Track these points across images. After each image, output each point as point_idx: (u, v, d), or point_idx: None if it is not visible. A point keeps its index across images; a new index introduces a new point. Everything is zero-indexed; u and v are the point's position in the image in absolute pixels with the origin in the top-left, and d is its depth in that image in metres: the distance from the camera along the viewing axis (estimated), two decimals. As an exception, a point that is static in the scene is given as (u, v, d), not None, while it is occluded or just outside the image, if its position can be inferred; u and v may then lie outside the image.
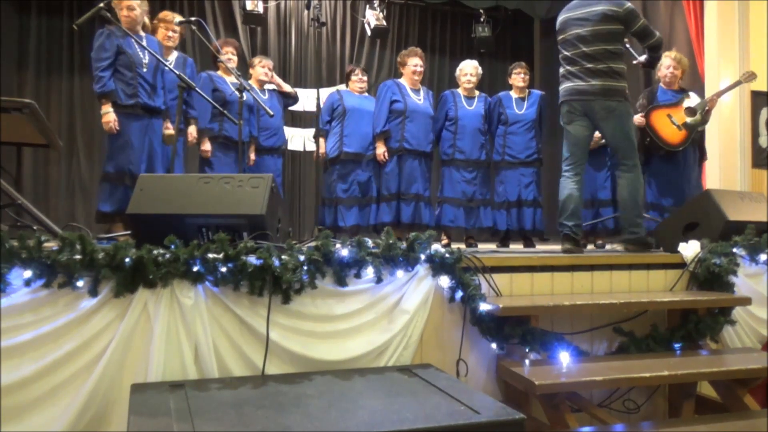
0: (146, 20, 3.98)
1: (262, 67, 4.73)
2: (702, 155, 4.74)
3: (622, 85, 3.53)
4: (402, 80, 4.91)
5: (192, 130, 4.20)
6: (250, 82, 4.75)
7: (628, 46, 4.07)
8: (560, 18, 3.73)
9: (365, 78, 5.02)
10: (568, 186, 3.66)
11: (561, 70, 3.72)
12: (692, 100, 4.44)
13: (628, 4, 3.52)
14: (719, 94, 4.51)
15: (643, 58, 3.97)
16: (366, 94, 5.04)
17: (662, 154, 4.42)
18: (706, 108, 4.40)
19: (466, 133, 4.87)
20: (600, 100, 3.51)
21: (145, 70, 3.82)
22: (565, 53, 3.67)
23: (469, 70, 4.98)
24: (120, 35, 3.73)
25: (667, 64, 4.54)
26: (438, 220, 4.86)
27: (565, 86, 3.68)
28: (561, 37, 3.69)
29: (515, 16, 7.31)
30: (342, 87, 5.16)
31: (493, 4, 6.80)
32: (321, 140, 4.71)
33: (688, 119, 4.34)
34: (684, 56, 4.71)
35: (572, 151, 3.67)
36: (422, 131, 4.78)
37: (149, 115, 3.85)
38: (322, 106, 4.68)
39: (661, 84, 4.61)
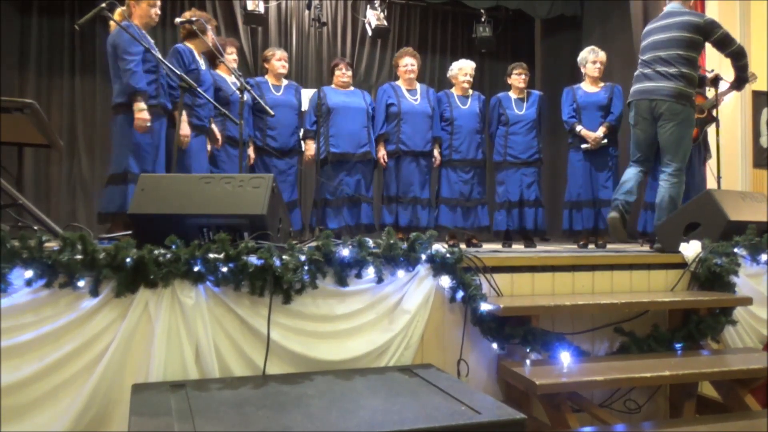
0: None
1: (278, 60, 4.69)
2: (705, 153, 4.74)
3: (689, 90, 3.68)
4: (398, 82, 4.92)
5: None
6: (266, 77, 4.74)
7: (721, 77, 4.33)
8: (646, 28, 3.92)
9: (349, 72, 4.85)
10: (631, 172, 3.85)
11: (636, 72, 3.88)
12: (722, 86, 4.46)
13: (708, 17, 3.76)
14: (723, 94, 4.51)
15: (727, 86, 4.21)
16: (351, 88, 4.90)
17: None
18: (711, 106, 4.42)
19: (463, 132, 4.88)
20: (669, 102, 3.65)
21: (165, 71, 3.81)
22: (642, 58, 3.83)
23: (468, 70, 4.99)
24: (139, 34, 3.62)
25: None
26: (436, 221, 4.86)
27: (635, 87, 3.83)
28: (642, 44, 3.87)
29: (516, 16, 7.29)
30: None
31: (494, 4, 6.78)
32: (309, 143, 4.66)
33: (697, 116, 4.35)
34: None
35: (637, 152, 3.87)
36: (418, 131, 4.77)
37: (165, 116, 3.84)
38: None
39: None
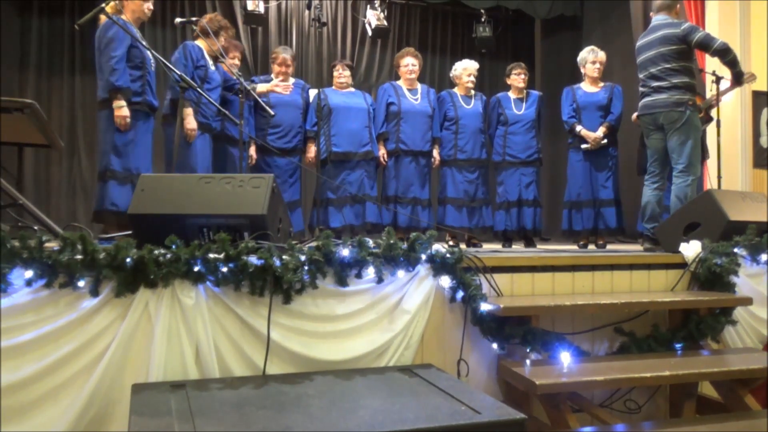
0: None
1: (278, 65, 4.64)
2: (704, 153, 4.74)
3: (684, 97, 3.82)
4: (399, 82, 4.94)
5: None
6: (272, 75, 4.71)
7: (722, 77, 4.36)
8: (637, 44, 4.09)
9: (347, 73, 4.85)
10: (646, 194, 4.01)
11: (639, 88, 4.08)
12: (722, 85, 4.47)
13: (686, 24, 3.86)
14: (722, 93, 4.51)
15: (727, 85, 4.28)
16: (352, 89, 4.91)
17: None
18: (709, 106, 4.41)
19: (468, 132, 4.90)
20: (664, 112, 3.83)
21: (153, 68, 3.81)
22: (640, 75, 4.03)
23: (473, 70, 5.02)
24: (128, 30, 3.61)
25: None
26: (441, 221, 4.86)
27: (640, 103, 4.03)
28: (637, 61, 4.07)
29: (516, 16, 7.30)
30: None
31: (494, 4, 6.79)
32: (310, 144, 4.66)
33: None
34: None
35: (651, 162, 4.03)
36: (418, 131, 4.79)
37: (152, 114, 3.84)
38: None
39: None
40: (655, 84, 3.88)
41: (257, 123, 4.63)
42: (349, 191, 4.63)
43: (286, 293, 2.24)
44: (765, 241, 3.12)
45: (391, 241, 2.46)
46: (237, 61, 4.51)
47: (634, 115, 4.39)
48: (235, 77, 4.26)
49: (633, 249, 3.99)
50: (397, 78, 5.00)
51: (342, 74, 4.83)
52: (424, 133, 4.82)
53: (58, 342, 2.03)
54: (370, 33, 6.63)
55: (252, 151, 4.60)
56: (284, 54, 4.69)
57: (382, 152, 4.78)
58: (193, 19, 3.88)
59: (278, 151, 4.52)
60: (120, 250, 2.07)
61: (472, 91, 5.06)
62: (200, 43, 4.10)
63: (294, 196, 4.69)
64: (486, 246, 4.74)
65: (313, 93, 4.75)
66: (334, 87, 4.88)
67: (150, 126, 3.84)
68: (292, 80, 4.78)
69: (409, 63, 4.86)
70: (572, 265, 2.95)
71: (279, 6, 6.78)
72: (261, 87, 4.36)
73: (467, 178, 4.88)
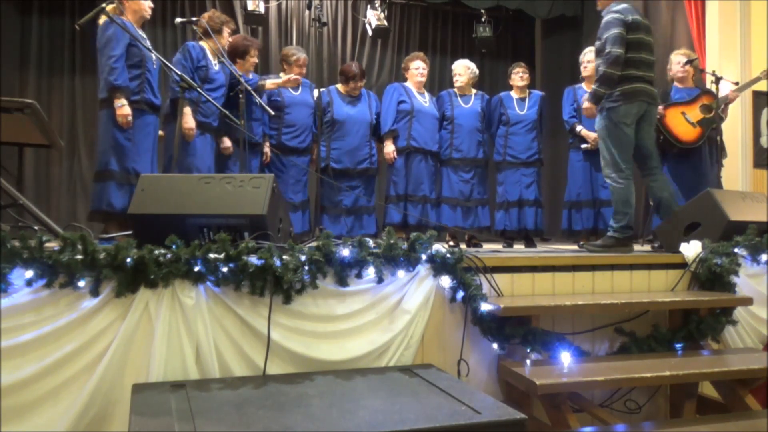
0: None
1: (299, 67, 4.64)
2: (721, 153, 4.72)
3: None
4: (407, 84, 4.94)
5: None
6: (281, 74, 4.71)
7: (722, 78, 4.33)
8: (633, 18, 3.57)
9: (361, 84, 4.79)
10: (654, 188, 3.73)
11: (627, 71, 3.54)
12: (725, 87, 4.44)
13: None
14: (740, 89, 4.49)
15: None
16: (361, 88, 4.86)
17: (675, 152, 4.42)
18: (725, 104, 4.40)
19: (463, 131, 4.89)
20: (655, 106, 3.71)
21: (155, 66, 3.81)
22: (634, 56, 3.55)
23: (458, 69, 5.03)
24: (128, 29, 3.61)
25: (677, 61, 4.57)
26: (437, 221, 4.86)
27: (636, 86, 3.54)
28: (633, 36, 3.54)
29: (516, 16, 7.30)
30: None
31: (495, 4, 6.79)
32: (314, 146, 4.64)
33: (704, 116, 4.33)
34: (693, 52, 4.74)
35: (630, 155, 3.62)
36: (428, 131, 4.81)
37: (152, 113, 3.84)
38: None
39: (675, 83, 4.62)
40: (651, 73, 3.62)
41: (270, 123, 4.61)
42: (346, 204, 4.63)
43: (286, 293, 2.24)
44: (765, 241, 3.12)
45: (391, 241, 2.47)
46: (256, 59, 4.51)
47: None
48: (237, 77, 4.26)
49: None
50: (399, 79, 4.99)
51: (349, 86, 4.75)
52: (433, 134, 4.84)
53: (58, 342, 2.03)
54: (370, 33, 6.62)
55: (267, 149, 4.56)
56: (303, 54, 4.71)
57: (392, 149, 4.73)
58: (194, 19, 3.88)
59: (291, 150, 4.49)
60: (120, 250, 2.07)
61: (472, 90, 5.05)
62: (203, 43, 4.10)
63: (305, 195, 4.67)
64: (486, 246, 4.73)
65: (316, 93, 4.75)
66: (342, 90, 4.80)
67: (151, 124, 3.83)
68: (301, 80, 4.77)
69: (420, 66, 4.88)
70: (572, 265, 2.95)
71: (279, 6, 6.78)
72: (271, 82, 4.35)
73: (462, 178, 4.88)
